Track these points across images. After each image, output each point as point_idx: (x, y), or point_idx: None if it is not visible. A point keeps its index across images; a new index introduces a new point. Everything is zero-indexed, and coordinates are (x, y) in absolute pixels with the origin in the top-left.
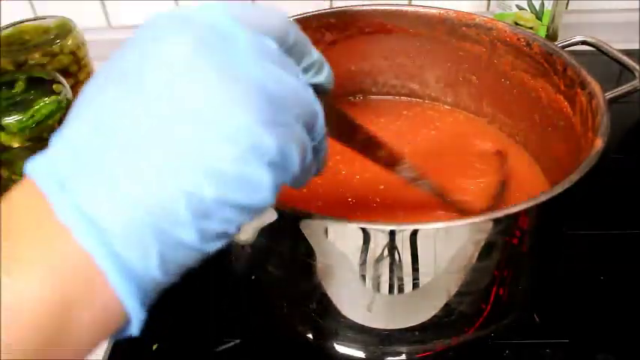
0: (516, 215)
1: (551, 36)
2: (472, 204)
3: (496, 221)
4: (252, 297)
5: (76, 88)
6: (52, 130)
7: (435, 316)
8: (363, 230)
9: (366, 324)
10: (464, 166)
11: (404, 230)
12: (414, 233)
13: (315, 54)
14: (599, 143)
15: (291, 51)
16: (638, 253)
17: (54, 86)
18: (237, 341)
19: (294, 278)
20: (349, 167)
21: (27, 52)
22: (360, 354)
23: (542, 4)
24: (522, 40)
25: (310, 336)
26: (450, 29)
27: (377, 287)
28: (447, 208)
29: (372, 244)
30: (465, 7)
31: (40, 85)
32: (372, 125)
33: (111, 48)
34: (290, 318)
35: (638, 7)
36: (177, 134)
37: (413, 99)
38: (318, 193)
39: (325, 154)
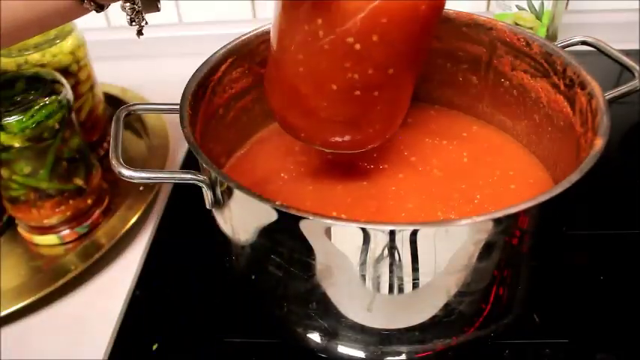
0: (516, 215)
1: (551, 36)
2: None
3: (496, 221)
4: (252, 297)
5: (76, 88)
6: (52, 130)
7: (435, 316)
8: (363, 230)
9: (366, 324)
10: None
11: (404, 230)
12: (414, 233)
13: None
14: (599, 143)
15: None
16: (638, 253)
17: (54, 86)
18: (237, 341)
19: (294, 278)
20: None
21: (27, 52)
22: (360, 354)
23: (542, 4)
24: (522, 40)
25: (310, 336)
26: (450, 29)
27: (377, 287)
28: None
29: (372, 244)
30: (465, 7)
31: (40, 85)
32: None
33: (111, 48)
34: (290, 318)
35: (638, 7)
36: None
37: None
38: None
39: None
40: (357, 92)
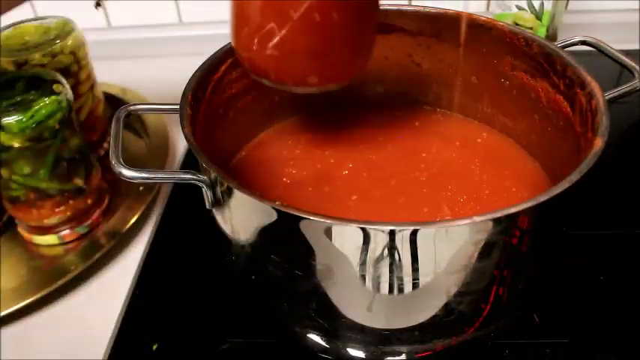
0: (516, 215)
1: (551, 36)
2: None
3: (496, 221)
4: (252, 297)
5: (76, 88)
6: (52, 130)
7: (435, 316)
8: (363, 230)
9: (366, 324)
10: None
11: (404, 230)
12: (414, 233)
13: None
14: (599, 143)
15: None
16: (638, 253)
17: (54, 86)
18: (237, 341)
19: (294, 278)
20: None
21: (27, 53)
22: (360, 354)
23: (542, 4)
24: (522, 40)
25: (310, 336)
26: (450, 29)
27: (377, 287)
28: None
29: (372, 244)
30: (465, 7)
31: (40, 85)
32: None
33: (111, 48)
34: (290, 318)
35: (638, 7)
36: None
37: (412, 103)
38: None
39: None
40: (317, 16)
